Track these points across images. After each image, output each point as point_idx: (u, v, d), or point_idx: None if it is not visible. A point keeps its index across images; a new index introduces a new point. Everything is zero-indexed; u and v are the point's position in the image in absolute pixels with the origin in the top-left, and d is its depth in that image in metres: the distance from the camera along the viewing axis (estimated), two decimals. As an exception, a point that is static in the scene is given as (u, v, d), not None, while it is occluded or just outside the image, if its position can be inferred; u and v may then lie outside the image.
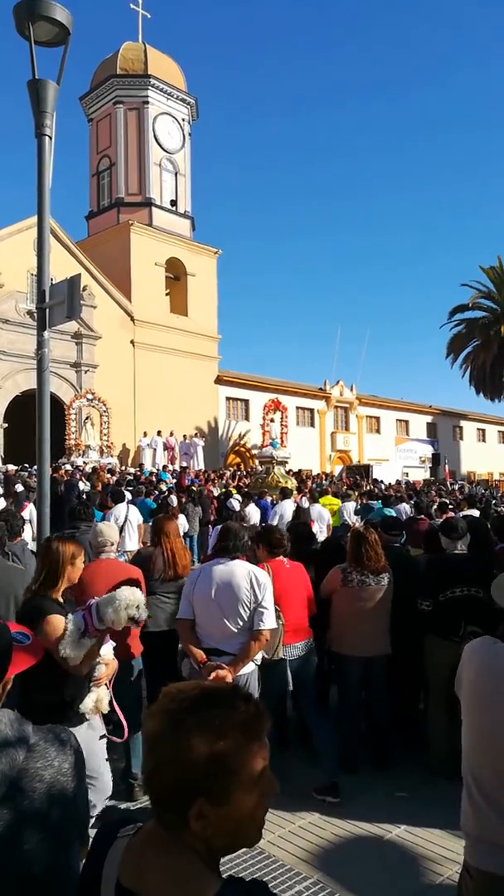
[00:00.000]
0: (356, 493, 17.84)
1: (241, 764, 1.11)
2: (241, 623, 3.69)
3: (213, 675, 3.53)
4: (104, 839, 1.20)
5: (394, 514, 10.95)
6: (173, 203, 29.99)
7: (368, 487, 22.37)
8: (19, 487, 14.10)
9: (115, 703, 3.38)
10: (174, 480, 19.23)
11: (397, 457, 39.12)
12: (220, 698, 1.15)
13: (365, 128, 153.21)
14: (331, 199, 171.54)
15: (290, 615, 4.26)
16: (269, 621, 3.73)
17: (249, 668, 3.79)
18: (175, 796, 1.08)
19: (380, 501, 13.69)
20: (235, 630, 3.69)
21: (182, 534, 9.10)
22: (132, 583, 4.17)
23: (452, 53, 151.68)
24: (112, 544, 4.34)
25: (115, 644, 3.60)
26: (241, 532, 3.89)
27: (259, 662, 3.97)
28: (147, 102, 29.06)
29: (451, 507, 11.73)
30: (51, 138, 4.40)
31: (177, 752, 1.08)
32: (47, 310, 4.36)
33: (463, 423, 46.15)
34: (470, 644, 2.25)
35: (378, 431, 39.68)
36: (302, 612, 4.38)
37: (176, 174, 30.21)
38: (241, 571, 3.74)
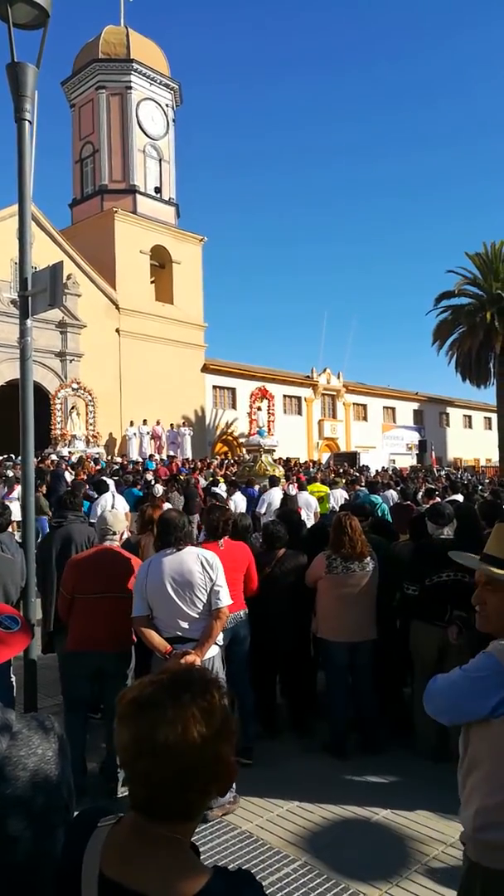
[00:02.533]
0: (343, 481, 17.89)
1: (226, 752, 1.13)
2: (200, 606, 3.74)
3: (182, 661, 3.55)
4: (82, 829, 1.19)
5: (380, 500, 11.00)
6: (157, 190, 29.74)
7: (355, 475, 22.43)
8: (10, 473, 14.06)
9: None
10: (164, 469, 19.18)
11: (384, 444, 39.28)
12: (197, 682, 1.15)
13: (354, 96, 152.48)
14: (316, 176, 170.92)
15: None
16: (225, 598, 3.80)
17: (214, 651, 3.85)
18: (174, 786, 1.08)
19: (366, 488, 13.75)
20: (196, 614, 3.73)
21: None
22: (131, 574, 4.17)
23: (433, 27, 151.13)
24: (115, 533, 4.35)
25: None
26: (180, 522, 3.88)
27: (222, 643, 4.03)
28: (130, 87, 28.73)
29: (437, 493, 11.79)
30: (31, 123, 4.33)
31: (182, 739, 1.07)
32: (29, 298, 4.31)
33: (449, 409, 46.38)
34: None
35: (365, 419, 39.80)
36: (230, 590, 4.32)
37: (160, 161, 29.95)
38: (190, 558, 3.78)
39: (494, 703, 1.87)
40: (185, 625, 3.73)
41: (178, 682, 1.14)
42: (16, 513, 6.75)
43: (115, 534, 4.34)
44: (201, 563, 3.76)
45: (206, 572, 3.76)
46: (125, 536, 4.90)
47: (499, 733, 1.88)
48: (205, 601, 3.75)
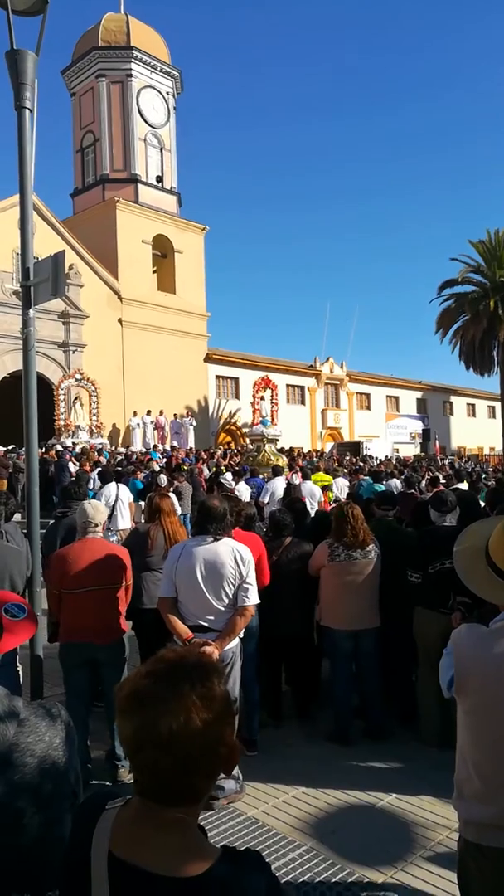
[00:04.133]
0: (345, 470, 17.92)
1: (229, 734, 1.14)
2: (226, 600, 3.72)
3: (200, 651, 3.55)
4: (91, 811, 1.20)
5: (384, 489, 10.99)
6: (159, 179, 29.57)
7: (359, 465, 22.42)
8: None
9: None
10: (164, 460, 19.19)
11: (388, 433, 39.21)
12: (195, 669, 1.15)
13: (358, 91, 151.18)
14: (320, 168, 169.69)
15: None
16: (253, 597, 3.77)
17: (233, 643, 3.84)
18: (180, 773, 1.09)
19: (370, 477, 13.74)
20: (221, 608, 3.71)
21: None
22: (116, 566, 4.17)
23: (440, 20, 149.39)
24: (97, 525, 4.31)
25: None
26: (221, 511, 3.81)
27: (242, 636, 4.01)
28: (130, 76, 28.50)
29: (442, 481, 11.79)
30: (31, 111, 4.30)
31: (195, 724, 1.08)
32: (31, 288, 4.30)
33: (453, 398, 46.24)
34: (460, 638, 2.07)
35: (368, 408, 39.71)
36: None
37: (161, 149, 29.75)
38: (225, 549, 3.75)
39: (447, 680, 2.03)
40: (209, 616, 3.71)
41: (176, 671, 1.13)
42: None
43: (97, 525, 4.30)
44: (235, 558, 3.74)
45: (238, 567, 3.73)
46: (129, 527, 4.90)
47: (460, 710, 2.02)
48: (231, 595, 3.73)
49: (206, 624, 3.72)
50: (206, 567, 3.70)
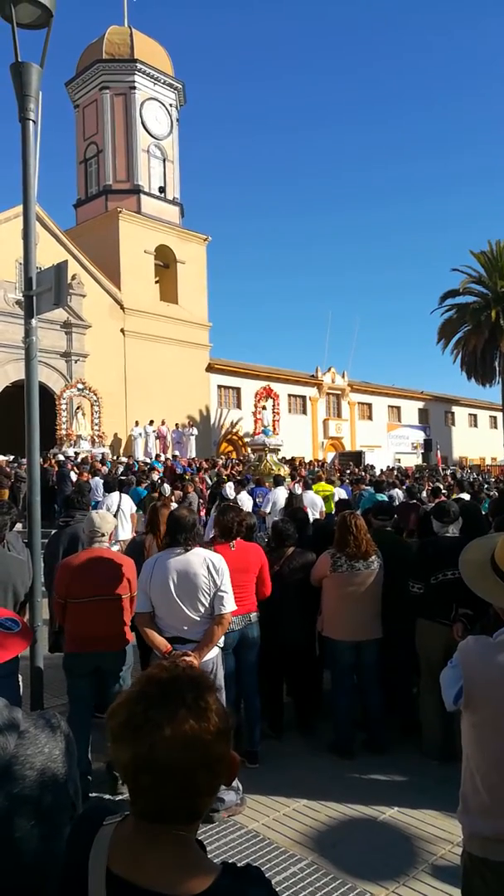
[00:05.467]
0: (346, 480, 17.92)
1: (227, 750, 1.13)
2: (202, 610, 3.70)
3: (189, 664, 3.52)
4: (87, 827, 1.18)
5: (385, 499, 10.97)
6: (162, 190, 29.73)
7: (360, 475, 22.40)
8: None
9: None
10: (179, 469, 19.17)
11: (389, 443, 39.20)
12: (188, 689, 1.12)
13: (361, 100, 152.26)
14: (322, 177, 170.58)
15: None
16: (229, 605, 3.75)
17: (213, 653, 3.82)
18: (179, 795, 1.07)
19: (372, 487, 13.72)
20: (197, 618, 3.70)
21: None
22: (123, 576, 4.16)
23: (448, 21, 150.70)
24: (104, 535, 4.31)
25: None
26: (190, 522, 3.80)
27: (222, 646, 3.99)
28: (134, 88, 28.72)
29: (443, 492, 11.77)
30: (35, 123, 4.34)
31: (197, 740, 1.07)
32: (34, 297, 4.32)
33: (454, 408, 46.23)
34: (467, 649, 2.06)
35: (370, 418, 39.71)
36: (238, 592, 4.22)
37: (164, 160, 29.93)
38: (196, 560, 3.73)
39: (454, 693, 2.01)
40: (185, 626, 3.70)
41: (169, 694, 1.10)
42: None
43: (103, 535, 4.29)
44: (207, 567, 3.72)
45: (212, 576, 3.72)
46: (130, 537, 4.89)
47: (468, 723, 2.01)
48: (208, 605, 3.72)
49: (183, 635, 3.70)
50: (179, 578, 3.68)
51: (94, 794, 3.96)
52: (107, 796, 4.02)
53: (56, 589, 4.22)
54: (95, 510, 4.86)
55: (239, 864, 1.16)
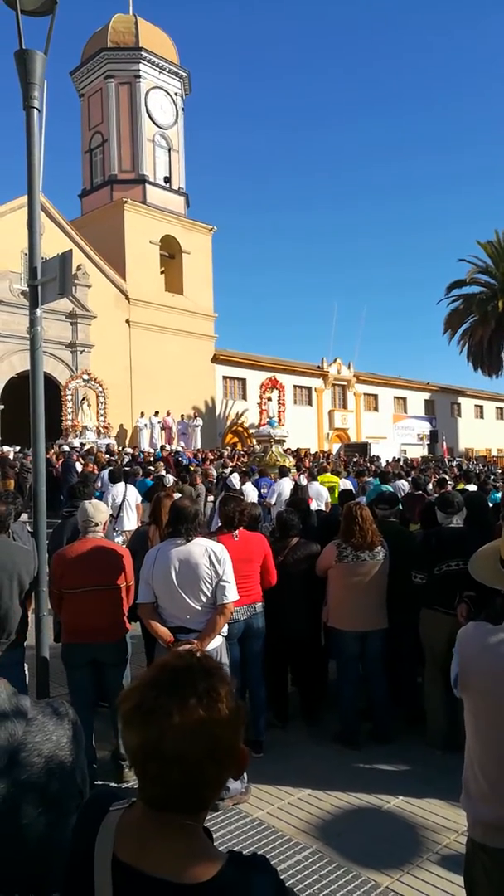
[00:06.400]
0: (352, 472, 17.89)
1: (237, 741, 1.12)
2: (204, 600, 3.71)
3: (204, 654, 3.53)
4: (94, 813, 1.18)
5: (391, 490, 10.96)
6: (167, 180, 29.60)
7: (366, 466, 22.37)
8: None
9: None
10: (185, 460, 19.18)
11: (395, 434, 39.11)
12: (200, 677, 1.12)
13: (365, 97, 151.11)
14: (328, 171, 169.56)
15: None
16: (231, 594, 3.76)
17: (217, 642, 3.83)
18: (187, 784, 1.07)
19: (377, 478, 13.70)
20: (199, 608, 3.71)
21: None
22: (116, 566, 4.16)
23: (448, 20, 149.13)
24: (97, 524, 4.28)
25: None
26: (192, 512, 3.82)
27: (226, 635, 4.00)
28: (139, 76, 28.56)
29: (449, 483, 11.74)
30: (40, 111, 4.31)
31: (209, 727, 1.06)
32: (39, 287, 4.30)
33: (461, 399, 46.08)
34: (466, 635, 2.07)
35: (376, 409, 39.62)
36: (242, 582, 4.26)
37: (169, 150, 29.78)
38: (198, 550, 3.74)
39: (453, 677, 2.04)
40: (188, 616, 3.71)
41: (181, 682, 1.09)
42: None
43: (97, 525, 4.26)
44: (209, 557, 3.73)
45: (214, 566, 3.73)
46: (134, 527, 4.89)
47: (466, 710, 2.02)
48: (210, 595, 3.72)
49: (185, 625, 3.71)
50: (181, 568, 3.69)
51: (99, 783, 3.98)
52: (112, 784, 4.05)
53: (52, 580, 4.23)
54: (90, 500, 4.83)
55: (245, 853, 1.17)
